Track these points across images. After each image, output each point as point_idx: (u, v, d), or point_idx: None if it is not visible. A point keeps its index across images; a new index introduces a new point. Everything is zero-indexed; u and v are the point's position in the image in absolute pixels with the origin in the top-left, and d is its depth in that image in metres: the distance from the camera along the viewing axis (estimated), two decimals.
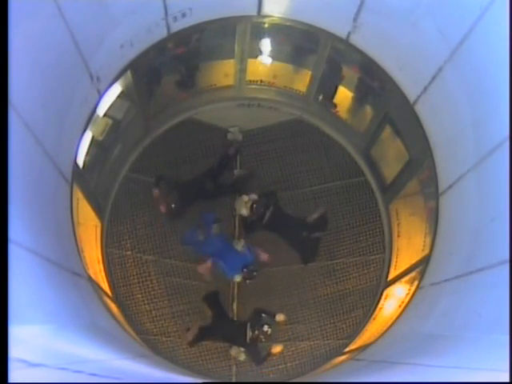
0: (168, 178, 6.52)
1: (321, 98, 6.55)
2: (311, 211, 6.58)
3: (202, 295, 6.33)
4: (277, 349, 6.16)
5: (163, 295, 6.38)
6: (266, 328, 5.93)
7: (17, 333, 2.25)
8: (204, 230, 6.28)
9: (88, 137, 5.03)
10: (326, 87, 6.44)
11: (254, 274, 6.18)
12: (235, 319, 6.34)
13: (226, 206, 6.69)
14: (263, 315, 6.04)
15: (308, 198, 6.79)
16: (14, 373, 1.94)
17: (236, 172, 6.70)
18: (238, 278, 6.28)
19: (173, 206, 6.45)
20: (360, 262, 6.56)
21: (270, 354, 6.15)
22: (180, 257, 6.46)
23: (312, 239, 6.47)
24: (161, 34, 4.97)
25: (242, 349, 6.16)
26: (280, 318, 6.15)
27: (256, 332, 5.94)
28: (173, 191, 6.45)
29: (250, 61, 6.17)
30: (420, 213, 5.43)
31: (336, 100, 6.54)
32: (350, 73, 5.92)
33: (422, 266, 5.03)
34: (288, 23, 5.27)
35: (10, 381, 1.87)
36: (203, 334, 6.13)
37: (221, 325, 6.14)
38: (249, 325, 6.01)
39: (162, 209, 6.43)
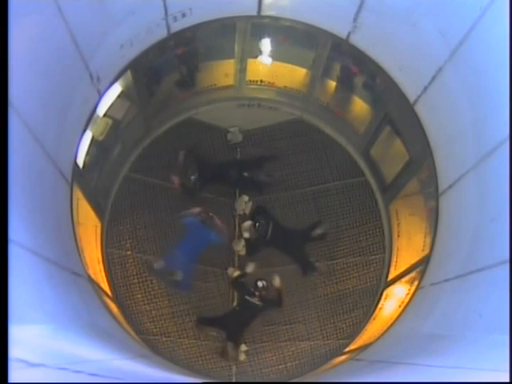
0: (197, 153, 6.51)
1: (321, 97, 6.56)
2: (313, 222, 6.58)
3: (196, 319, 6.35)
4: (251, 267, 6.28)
5: (163, 295, 6.38)
6: (259, 283, 6.00)
7: (17, 333, 2.25)
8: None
9: (88, 137, 5.03)
10: (325, 87, 6.45)
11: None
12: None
13: (226, 206, 6.70)
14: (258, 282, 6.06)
15: (308, 198, 6.79)
16: (14, 373, 1.94)
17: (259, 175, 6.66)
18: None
19: (192, 177, 6.38)
20: (360, 262, 6.55)
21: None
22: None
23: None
24: (161, 33, 4.97)
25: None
26: (276, 281, 6.17)
27: (252, 291, 6.02)
28: (195, 165, 6.42)
29: (250, 61, 6.17)
30: (420, 213, 5.43)
31: (336, 100, 6.55)
32: (349, 73, 5.92)
33: (421, 266, 5.03)
34: (288, 23, 5.27)
35: (10, 381, 1.87)
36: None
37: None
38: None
39: (175, 180, 6.38)
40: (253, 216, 6.46)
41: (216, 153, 6.82)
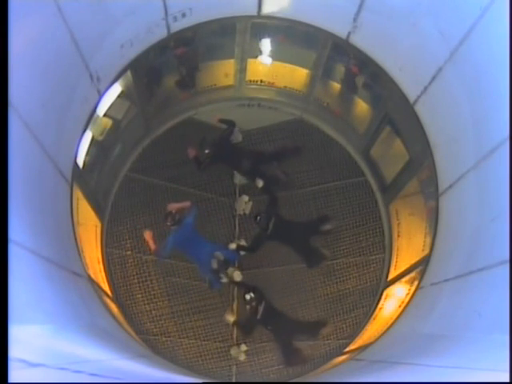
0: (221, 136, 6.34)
1: (321, 97, 6.55)
2: (320, 216, 6.51)
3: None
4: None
5: (163, 295, 6.38)
6: (247, 296, 5.90)
7: (17, 333, 2.25)
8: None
9: (88, 137, 5.03)
10: (325, 87, 6.45)
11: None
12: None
13: (226, 206, 6.70)
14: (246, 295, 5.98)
15: (308, 198, 6.78)
16: (14, 373, 1.94)
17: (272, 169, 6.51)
18: (234, 273, 6.24)
19: (207, 151, 6.21)
20: (360, 262, 6.55)
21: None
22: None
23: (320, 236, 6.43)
24: (161, 34, 4.98)
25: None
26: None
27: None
28: (213, 142, 6.26)
29: (250, 61, 6.17)
30: (420, 213, 5.42)
31: (336, 100, 6.54)
32: (349, 73, 5.92)
33: (421, 266, 5.03)
34: (288, 23, 5.28)
35: (10, 381, 1.87)
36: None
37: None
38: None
39: (191, 152, 6.24)
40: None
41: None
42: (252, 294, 5.88)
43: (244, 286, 6.06)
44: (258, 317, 5.93)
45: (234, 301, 6.41)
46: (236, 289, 6.38)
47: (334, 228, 6.45)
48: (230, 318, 6.26)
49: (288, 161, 6.63)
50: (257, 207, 6.63)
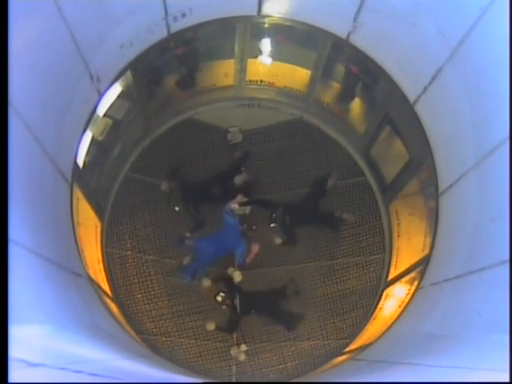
0: (179, 177, 6.51)
1: (321, 97, 6.56)
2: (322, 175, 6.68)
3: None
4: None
5: (163, 295, 6.38)
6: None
7: (17, 333, 2.25)
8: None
9: (88, 137, 5.03)
10: (326, 87, 6.45)
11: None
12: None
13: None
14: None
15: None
16: (14, 373, 1.94)
17: (237, 180, 6.63)
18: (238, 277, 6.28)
19: (176, 208, 6.49)
20: (360, 262, 6.56)
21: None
22: (180, 257, 6.46)
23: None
24: (161, 34, 4.98)
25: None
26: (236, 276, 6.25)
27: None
28: (179, 192, 6.45)
29: (250, 61, 6.17)
30: (420, 213, 5.42)
31: (336, 100, 6.54)
32: (349, 73, 5.92)
33: (421, 266, 5.03)
34: (288, 23, 5.28)
35: (10, 381, 1.87)
36: None
37: None
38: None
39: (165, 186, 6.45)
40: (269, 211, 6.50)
41: (217, 153, 6.79)
42: (222, 294, 5.93)
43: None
44: (238, 311, 6.02)
45: (235, 298, 6.40)
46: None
47: (336, 183, 6.58)
48: (210, 327, 6.27)
49: (248, 168, 6.72)
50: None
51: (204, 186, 6.50)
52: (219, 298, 6.02)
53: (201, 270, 6.29)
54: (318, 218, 6.51)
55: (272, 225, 6.49)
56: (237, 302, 6.04)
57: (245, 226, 6.21)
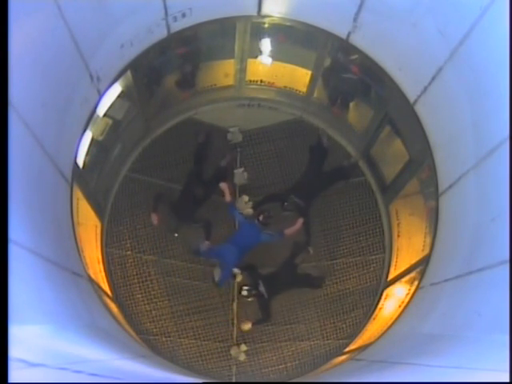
0: (165, 200, 6.40)
1: (321, 98, 6.55)
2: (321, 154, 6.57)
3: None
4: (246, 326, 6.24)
5: (163, 295, 6.38)
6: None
7: (17, 333, 2.25)
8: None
9: (88, 137, 5.03)
10: (326, 87, 6.45)
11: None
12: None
13: (226, 206, 6.68)
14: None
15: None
16: (14, 373, 1.94)
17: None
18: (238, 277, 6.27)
19: (176, 235, 6.48)
20: (360, 262, 6.55)
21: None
22: (180, 257, 6.46)
23: None
24: (161, 33, 4.98)
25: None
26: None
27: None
28: (169, 218, 6.37)
29: (250, 61, 6.17)
30: (420, 213, 5.42)
31: (336, 100, 6.54)
32: (349, 73, 5.92)
33: (421, 266, 5.03)
34: (288, 23, 5.28)
35: (10, 381, 1.87)
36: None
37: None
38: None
39: (154, 218, 6.34)
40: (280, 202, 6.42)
41: (214, 153, 6.79)
42: (245, 287, 5.88)
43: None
44: (266, 296, 5.95)
45: (234, 301, 6.40)
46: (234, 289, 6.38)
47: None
48: (246, 326, 6.24)
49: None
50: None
51: (187, 194, 6.31)
52: (245, 293, 5.93)
53: (230, 273, 6.16)
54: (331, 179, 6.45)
55: (285, 213, 6.36)
56: (262, 288, 5.93)
57: (261, 216, 6.00)
